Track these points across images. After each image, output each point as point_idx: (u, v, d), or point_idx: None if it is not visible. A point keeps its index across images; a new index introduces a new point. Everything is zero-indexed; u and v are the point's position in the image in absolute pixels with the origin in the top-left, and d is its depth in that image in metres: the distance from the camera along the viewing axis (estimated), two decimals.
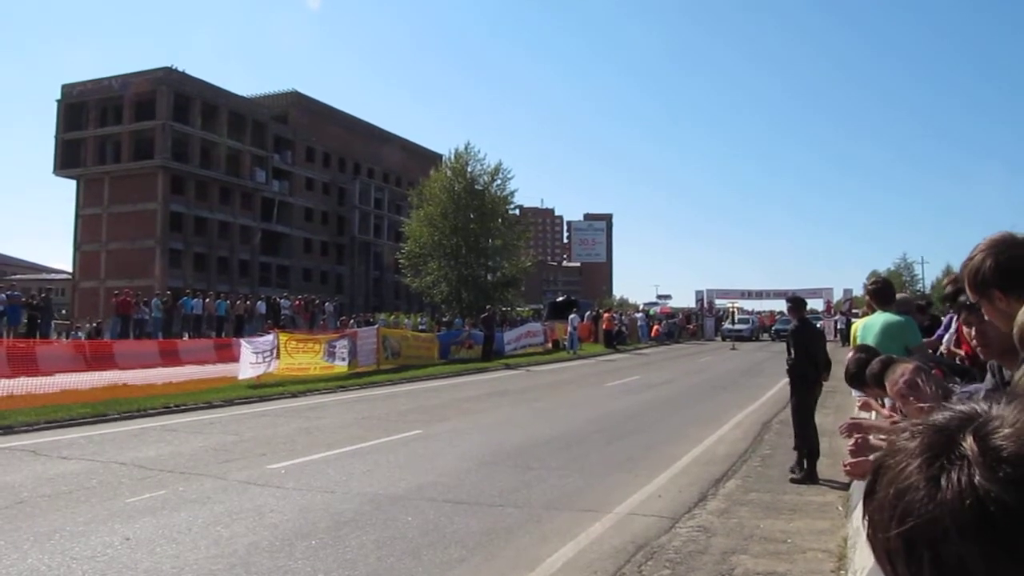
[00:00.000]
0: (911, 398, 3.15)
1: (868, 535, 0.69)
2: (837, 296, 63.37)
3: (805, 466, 9.21)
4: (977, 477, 0.62)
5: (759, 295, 69.82)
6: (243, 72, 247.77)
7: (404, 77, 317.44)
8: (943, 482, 0.63)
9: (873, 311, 6.82)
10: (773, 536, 6.81)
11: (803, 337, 9.67)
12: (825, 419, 11.53)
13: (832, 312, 55.18)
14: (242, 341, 22.49)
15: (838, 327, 39.36)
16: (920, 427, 0.68)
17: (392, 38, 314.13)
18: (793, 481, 9.00)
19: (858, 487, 6.94)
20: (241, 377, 19.62)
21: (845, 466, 3.74)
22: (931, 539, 0.62)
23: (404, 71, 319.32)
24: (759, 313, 66.58)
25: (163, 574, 5.69)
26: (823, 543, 6.57)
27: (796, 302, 10.08)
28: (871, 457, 3.77)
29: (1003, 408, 0.66)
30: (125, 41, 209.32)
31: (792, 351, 9.53)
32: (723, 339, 53.05)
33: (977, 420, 0.66)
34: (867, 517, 0.70)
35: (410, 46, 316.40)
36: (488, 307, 37.59)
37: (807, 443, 9.27)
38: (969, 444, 0.64)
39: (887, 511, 0.66)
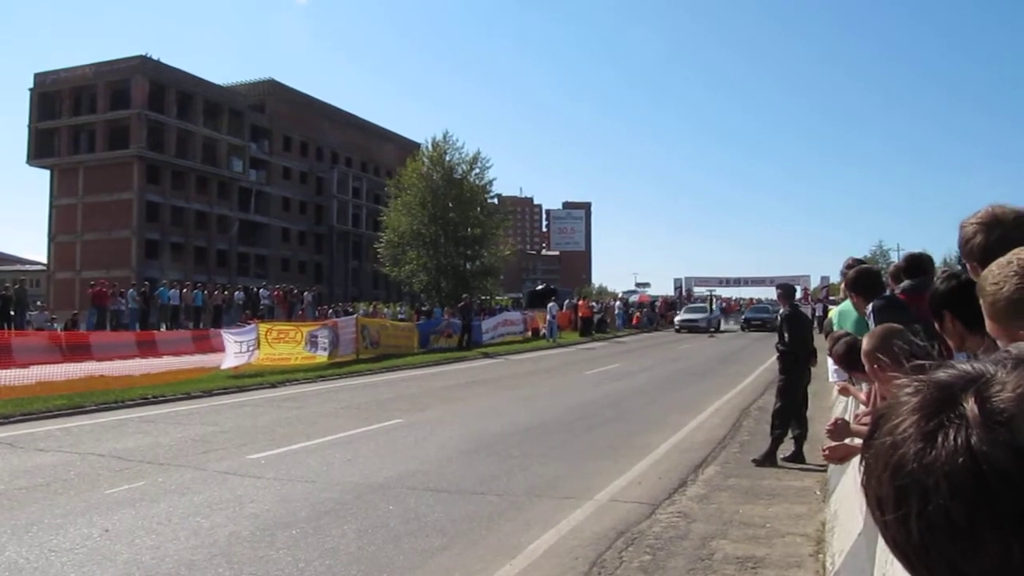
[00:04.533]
0: (879, 355, 3.15)
1: (862, 481, 0.70)
2: (815, 283, 63.67)
3: (785, 449, 9.45)
4: (974, 438, 0.62)
5: (737, 282, 70.34)
6: (219, 61, 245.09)
7: (382, 67, 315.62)
8: (939, 439, 0.63)
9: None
10: (752, 521, 6.88)
11: (796, 322, 10.17)
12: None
13: (810, 300, 55.36)
14: (226, 331, 22.41)
15: (815, 315, 39.53)
16: (923, 383, 0.69)
17: (370, 28, 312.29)
18: (755, 463, 9.22)
19: (836, 472, 7.02)
20: (224, 366, 19.58)
21: (824, 451, 3.79)
22: (922, 493, 0.63)
23: (382, 60, 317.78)
24: (729, 299, 66.72)
25: (143, 565, 5.66)
26: (801, 527, 6.65)
27: (787, 289, 10.56)
28: (847, 441, 3.83)
29: (1008, 371, 0.66)
30: (99, 29, 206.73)
31: (786, 335, 9.93)
32: (677, 331, 46.51)
33: (980, 381, 0.66)
34: (863, 464, 0.71)
35: (388, 35, 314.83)
36: (464, 296, 37.53)
37: (789, 425, 9.48)
38: (970, 405, 0.64)
39: (882, 460, 0.67)
